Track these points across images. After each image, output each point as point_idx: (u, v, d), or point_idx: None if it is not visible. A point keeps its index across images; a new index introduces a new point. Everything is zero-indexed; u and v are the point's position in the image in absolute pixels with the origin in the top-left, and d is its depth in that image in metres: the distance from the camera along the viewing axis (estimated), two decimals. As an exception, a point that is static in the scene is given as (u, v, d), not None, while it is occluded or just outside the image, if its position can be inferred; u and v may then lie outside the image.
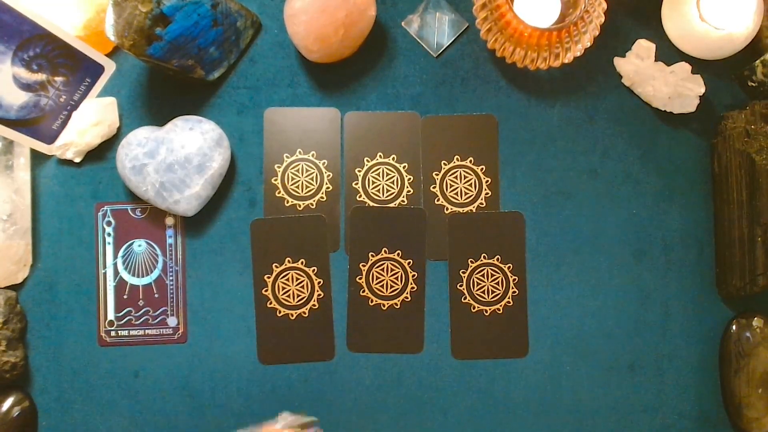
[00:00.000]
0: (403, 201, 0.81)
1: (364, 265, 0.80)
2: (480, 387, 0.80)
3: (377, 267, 0.80)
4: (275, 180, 0.81)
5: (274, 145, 0.81)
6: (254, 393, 0.79)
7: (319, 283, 0.80)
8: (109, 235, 0.80)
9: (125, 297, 0.79)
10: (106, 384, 0.79)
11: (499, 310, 0.80)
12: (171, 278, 0.80)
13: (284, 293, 0.80)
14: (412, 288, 0.80)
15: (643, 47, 0.80)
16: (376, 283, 0.80)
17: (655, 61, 0.80)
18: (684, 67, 0.80)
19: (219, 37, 0.78)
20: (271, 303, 0.80)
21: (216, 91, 0.81)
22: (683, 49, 0.81)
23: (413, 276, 0.80)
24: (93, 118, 0.78)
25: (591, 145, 0.82)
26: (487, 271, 0.81)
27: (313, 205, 0.81)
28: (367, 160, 0.81)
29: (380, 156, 0.81)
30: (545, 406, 0.80)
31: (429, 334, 0.80)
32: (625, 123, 0.82)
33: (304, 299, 0.80)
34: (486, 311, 0.80)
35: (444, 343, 0.80)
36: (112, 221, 0.80)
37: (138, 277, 0.80)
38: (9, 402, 0.77)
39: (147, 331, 0.79)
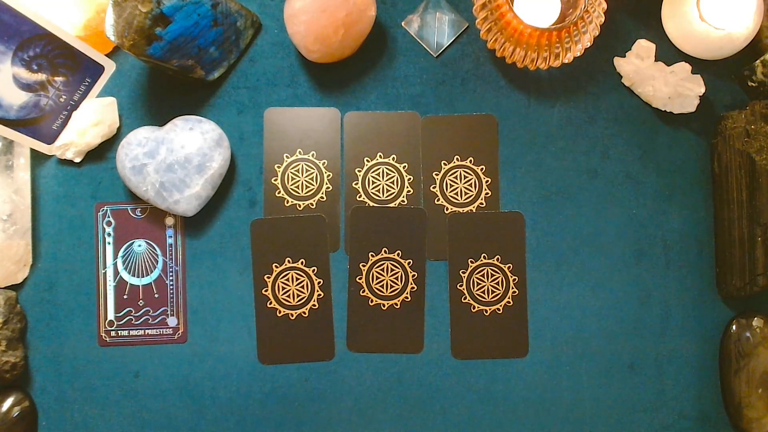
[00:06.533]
0: (403, 201, 0.81)
1: (364, 265, 0.80)
2: (480, 387, 0.80)
3: (377, 267, 0.80)
4: (275, 180, 0.81)
5: (274, 145, 0.81)
6: (254, 393, 0.79)
7: (319, 283, 0.80)
8: (109, 235, 0.80)
9: (125, 297, 0.79)
10: (106, 384, 0.79)
11: (499, 310, 0.80)
12: (171, 278, 0.80)
13: (284, 293, 0.80)
14: (412, 288, 0.80)
15: (643, 47, 0.80)
16: (376, 283, 0.80)
17: (655, 61, 0.80)
18: (684, 67, 0.80)
19: (219, 37, 0.78)
20: (271, 303, 0.80)
21: (216, 91, 0.81)
22: (683, 49, 0.82)
23: (413, 276, 0.80)
24: (93, 118, 0.78)
25: (591, 145, 0.82)
26: (487, 271, 0.81)
27: (313, 205, 0.81)
28: (367, 160, 0.81)
29: (380, 156, 0.81)
30: (545, 406, 0.80)
31: (429, 334, 0.80)
32: (625, 123, 0.82)
33: (304, 299, 0.80)
34: (486, 311, 0.80)
35: (444, 343, 0.80)
36: (112, 221, 0.80)
37: (138, 277, 0.80)
38: (9, 402, 0.77)
39: (147, 331, 0.79)
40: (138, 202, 0.80)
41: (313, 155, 0.81)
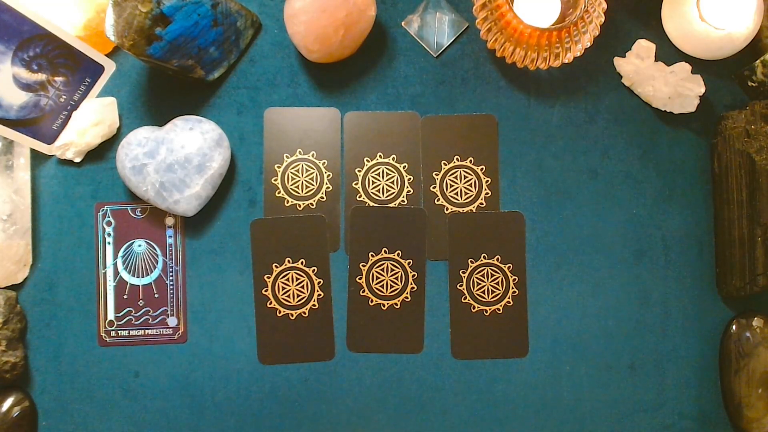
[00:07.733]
0: (403, 201, 0.81)
1: (364, 265, 0.80)
2: (480, 387, 0.80)
3: (377, 267, 0.80)
4: (275, 180, 0.81)
5: (274, 145, 0.81)
6: (254, 393, 0.79)
7: (319, 283, 0.80)
8: (109, 235, 0.80)
9: (125, 297, 0.79)
10: (106, 384, 0.79)
11: (499, 310, 0.80)
12: (171, 278, 0.80)
13: (284, 293, 0.80)
14: (412, 288, 0.80)
15: (643, 47, 0.80)
16: (376, 283, 0.80)
17: (655, 61, 0.80)
18: (684, 67, 0.80)
19: (219, 37, 0.78)
20: (271, 303, 0.80)
21: (216, 91, 0.81)
22: (683, 49, 0.82)
23: (413, 276, 0.80)
24: (93, 118, 0.78)
25: (591, 145, 0.82)
26: (487, 271, 0.81)
27: (313, 205, 0.81)
28: (367, 160, 0.81)
29: (380, 156, 0.81)
30: (545, 406, 0.80)
31: (429, 334, 0.80)
32: (625, 123, 0.82)
33: (304, 299, 0.80)
34: (486, 311, 0.80)
35: (444, 343, 0.80)
36: (112, 221, 0.80)
37: (138, 277, 0.80)
38: (9, 402, 0.77)
39: (147, 331, 0.79)
40: (138, 202, 0.80)
41: (313, 155, 0.81)
